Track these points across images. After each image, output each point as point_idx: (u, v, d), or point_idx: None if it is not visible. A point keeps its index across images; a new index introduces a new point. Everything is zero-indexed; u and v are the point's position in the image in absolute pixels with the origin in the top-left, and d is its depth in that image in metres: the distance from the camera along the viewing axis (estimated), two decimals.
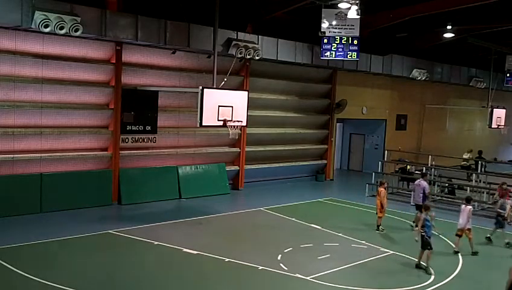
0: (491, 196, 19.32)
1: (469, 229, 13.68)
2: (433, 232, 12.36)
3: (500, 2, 18.50)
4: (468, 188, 20.57)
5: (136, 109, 17.50)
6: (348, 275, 11.64)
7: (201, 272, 11.42)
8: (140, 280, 10.74)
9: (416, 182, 16.80)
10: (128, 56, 17.30)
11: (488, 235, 14.85)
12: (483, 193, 20.41)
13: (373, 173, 22.35)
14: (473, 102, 32.08)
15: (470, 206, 13.97)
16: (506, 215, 14.86)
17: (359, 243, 14.00)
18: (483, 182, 21.46)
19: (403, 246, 14.06)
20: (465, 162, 26.03)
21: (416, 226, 15.23)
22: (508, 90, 32.13)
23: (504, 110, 28.14)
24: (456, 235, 13.79)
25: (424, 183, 16.29)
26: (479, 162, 24.09)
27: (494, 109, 27.45)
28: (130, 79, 17.46)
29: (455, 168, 24.96)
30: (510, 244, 14.28)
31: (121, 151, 17.50)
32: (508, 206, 14.81)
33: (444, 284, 11.21)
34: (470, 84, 30.38)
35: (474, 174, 22.42)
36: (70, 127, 16.56)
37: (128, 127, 17.54)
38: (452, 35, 22.69)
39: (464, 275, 11.79)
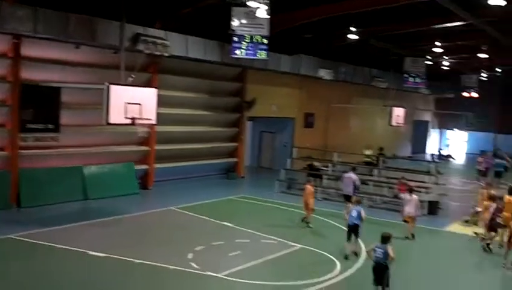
0: (392, 190, 20.45)
1: (414, 217, 15.09)
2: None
3: (400, 7, 19.61)
4: (370, 182, 21.56)
5: (37, 106, 16.49)
6: (259, 270, 11.79)
7: (110, 275, 11.04)
8: (44, 287, 10.17)
9: (346, 175, 17.91)
10: (28, 50, 16.32)
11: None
12: (384, 187, 21.51)
13: (282, 170, 22.81)
14: (375, 101, 33.60)
15: (415, 196, 15.41)
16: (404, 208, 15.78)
17: (269, 239, 14.21)
18: (384, 177, 22.64)
19: (310, 240, 14.50)
20: (367, 158, 27.34)
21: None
22: (407, 90, 34.06)
23: (402, 109, 29.87)
24: (404, 221, 15.16)
25: (355, 176, 17.53)
26: (380, 158, 25.39)
27: (394, 108, 29.08)
28: (29, 74, 16.47)
29: (359, 164, 26.10)
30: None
31: (20, 151, 16.50)
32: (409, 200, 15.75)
33: (349, 275, 11.68)
34: (372, 84, 31.82)
35: (375, 170, 23.57)
36: None
37: (28, 126, 16.50)
38: (356, 36, 23.67)
39: (366, 266, 12.23)
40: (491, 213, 14.07)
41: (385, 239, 9.83)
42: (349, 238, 13.01)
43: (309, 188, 16.06)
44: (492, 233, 14.19)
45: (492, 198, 14.80)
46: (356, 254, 12.96)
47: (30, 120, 16.39)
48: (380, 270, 9.71)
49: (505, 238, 13.42)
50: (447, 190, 21.98)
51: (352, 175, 17.61)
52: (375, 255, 9.79)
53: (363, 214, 13.02)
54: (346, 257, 12.74)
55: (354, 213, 13.00)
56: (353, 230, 12.99)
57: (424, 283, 11.84)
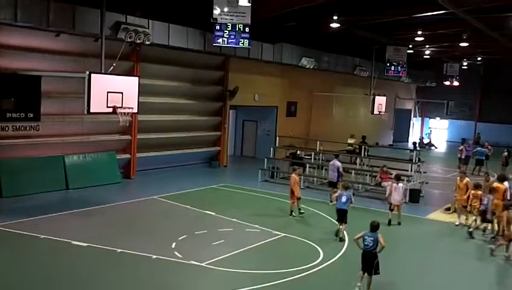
0: (374, 178, 20.65)
1: (400, 204, 15.46)
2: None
3: None
4: (353, 171, 21.73)
5: (17, 95, 16.24)
6: (242, 258, 11.84)
7: (92, 264, 11.00)
8: (27, 277, 10.11)
9: (331, 162, 18.40)
10: (6, 38, 16.03)
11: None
12: (366, 175, 21.70)
13: (265, 159, 22.87)
14: (357, 90, 33.82)
15: (402, 184, 15.87)
16: (386, 196, 15.93)
17: (253, 228, 14.27)
18: (367, 165, 22.84)
19: (293, 228, 14.59)
20: (350, 147, 27.49)
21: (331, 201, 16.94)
22: (388, 78, 34.28)
23: (384, 98, 30.08)
24: (390, 209, 15.42)
25: (338, 163, 18.06)
26: (362, 146, 25.56)
27: (376, 97, 29.27)
28: (8, 63, 16.21)
29: (341, 152, 26.23)
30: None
31: (1, 141, 16.27)
32: (389, 187, 15.91)
33: (330, 263, 11.77)
34: (354, 72, 31.96)
35: (358, 158, 23.74)
36: None
37: (8, 115, 16.25)
38: (338, 25, 23.67)
39: (349, 254, 12.41)
40: (489, 205, 14.29)
41: (375, 227, 9.92)
42: (339, 221, 13.57)
43: (294, 177, 16.12)
44: (485, 224, 14.54)
45: (479, 187, 15.08)
46: (341, 240, 13.26)
47: (10, 109, 16.14)
48: (370, 258, 9.81)
49: (498, 227, 13.67)
50: (428, 177, 22.26)
51: (336, 162, 18.09)
52: (365, 244, 9.86)
53: (352, 200, 13.78)
54: (336, 234, 13.43)
55: (344, 199, 13.49)
56: (341, 215, 13.45)
57: (409, 269, 12.00)
